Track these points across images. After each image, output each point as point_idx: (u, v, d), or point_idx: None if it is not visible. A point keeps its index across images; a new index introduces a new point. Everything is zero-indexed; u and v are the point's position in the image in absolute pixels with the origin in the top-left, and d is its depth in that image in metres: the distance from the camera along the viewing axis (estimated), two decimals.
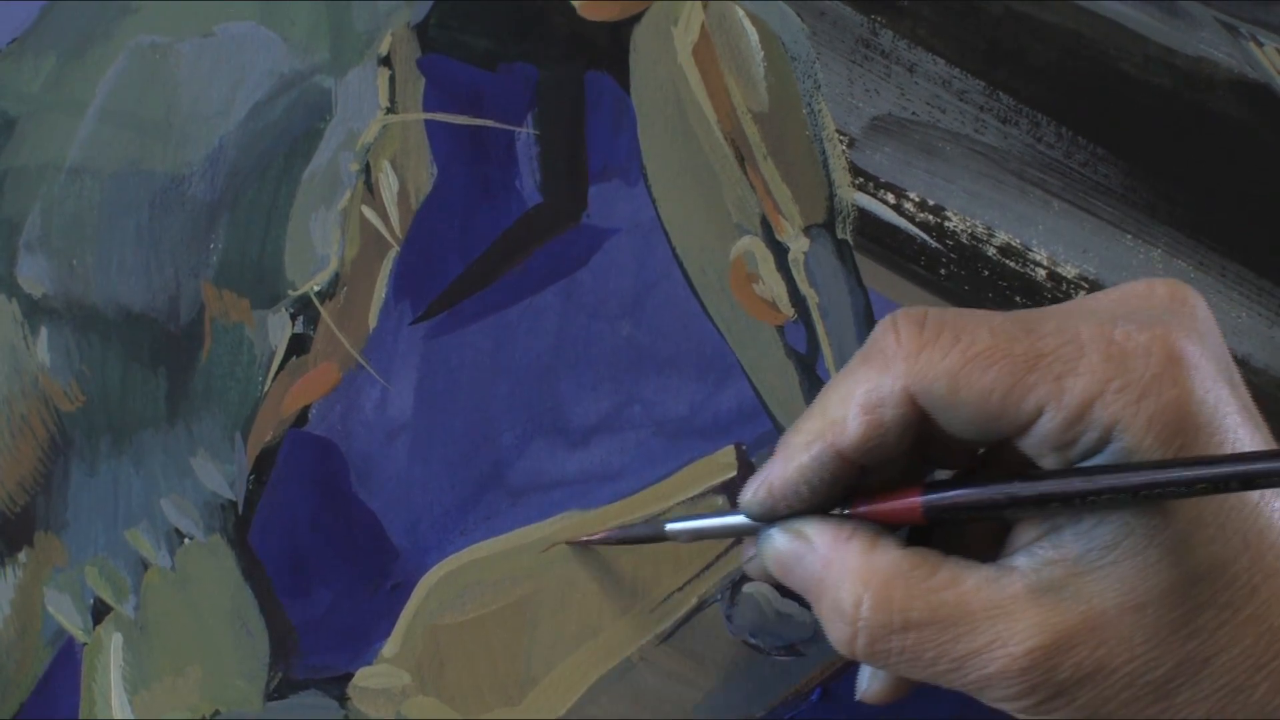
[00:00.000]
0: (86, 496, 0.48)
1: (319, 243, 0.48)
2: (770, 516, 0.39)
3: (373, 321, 0.48)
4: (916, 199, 0.48)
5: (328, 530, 0.48)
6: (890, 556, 0.36)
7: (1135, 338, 0.34)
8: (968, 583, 0.35)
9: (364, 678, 0.48)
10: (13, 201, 0.48)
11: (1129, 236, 0.47)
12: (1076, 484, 0.34)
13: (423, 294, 0.48)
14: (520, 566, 0.48)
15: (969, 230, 0.48)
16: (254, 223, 0.48)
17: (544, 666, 0.47)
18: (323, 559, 0.48)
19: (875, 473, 0.38)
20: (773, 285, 0.48)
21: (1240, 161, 0.47)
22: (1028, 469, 0.36)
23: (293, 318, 0.48)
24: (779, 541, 0.38)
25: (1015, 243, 0.47)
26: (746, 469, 0.47)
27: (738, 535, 0.40)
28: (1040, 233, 0.47)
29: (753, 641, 0.47)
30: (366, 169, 0.48)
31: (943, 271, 0.47)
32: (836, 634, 0.37)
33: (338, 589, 0.48)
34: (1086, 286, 0.47)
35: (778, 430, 0.47)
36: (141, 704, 0.48)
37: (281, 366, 0.48)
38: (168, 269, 0.48)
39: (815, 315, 0.47)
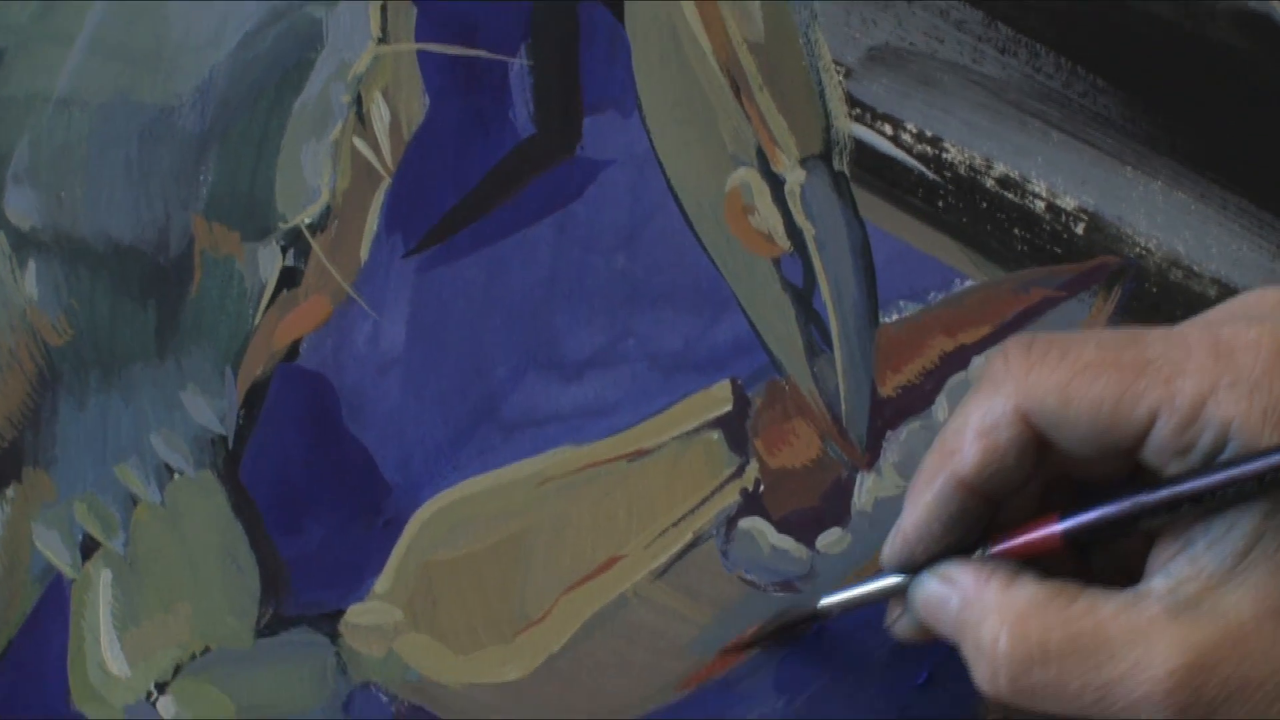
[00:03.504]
0: (75, 431, 0.48)
1: (310, 174, 0.48)
2: (911, 564, 0.39)
3: (364, 254, 0.48)
4: (914, 130, 0.47)
5: (319, 465, 0.47)
6: (1027, 590, 0.36)
7: (1242, 335, 0.34)
8: (1105, 609, 0.35)
9: (356, 614, 0.47)
10: (0, 133, 0.48)
11: (1129, 168, 0.47)
12: (1203, 481, 0.34)
13: (415, 227, 0.48)
14: (514, 502, 0.47)
15: (967, 162, 0.47)
16: (244, 154, 0.48)
17: (538, 603, 0.47)
18: (314, 494, 0.47)
19: (1006, 510, 0.38)
20: (769, 217, 0.47)
21: (1241, 93, 0.47)
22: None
23: (283, 250, 0.48)
24: (925, 587, 0.39)
25: (1014, 174, 0.47)
26: (742, 403, 0.47)
27: (892, 595, 0.41)
28: (1039, 164, 0.47)
29: (748, 577, 0.47)
30: (358, 100, 0.48)
31: (940, 204, 0.47)
32: (979, 674, 0.37)
33: (329, 525, 0.47)
34: (1086, 218, 0.47)
35: (774, 364, 0.47)
36: (131, 640, 0.47)
37: (272, 300, 0.48)
38: (157, 201, 0.48)
39: (812, 248, 0.47)
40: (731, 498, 0.47)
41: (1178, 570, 0.35)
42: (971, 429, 0.37)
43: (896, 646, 0.46)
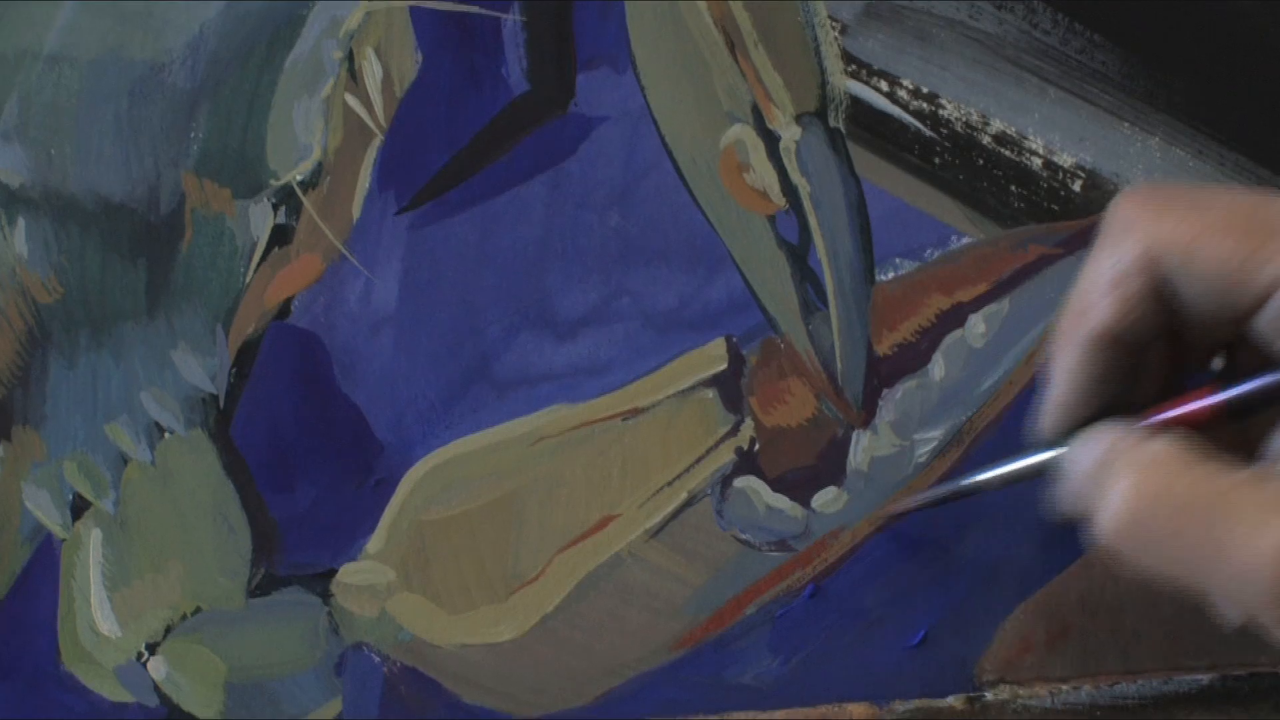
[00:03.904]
0: (65, 390, 0.47)
1: (302, 131, 0.47)
2: (1065, 432, 0.39)
3: (356, 212, 0.47)
4: (910, 87, 0.47)
5: (311, 425, 0.47)
6: (1161, 444, 0.36)
7: None
8: (1230, 477, 0.35)
9: (348, 574, 0.47)
10: None
11: (1126, 124, 0.47)
12: None
13: (407, 184, 0.47)
14: (507, 461, 0.47)
15: (964, 118, 0.47)
16: (235, 111, 0.47)
17: (532, 562, 0.46)
18: (306, 454, 0.47)
19: (1140, 374, 0.38)
20: (764, 174, 0.47)
21: (1239, 48, 0.47)
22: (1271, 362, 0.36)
23: (275, 208, 0.47)
24: (1073, 449, 0.38)
25: (1011, 131, 0.47)
26: (737, 361, 0.47)
27: (1047, 469, 0.40)
28: (1036, 121, 0.47)
29: (743, 536, 0.47)
30: (350, 56, 0.47)
31: (937, 160, 0.47)
32: (1105, 518, 0.36)
33: (321, 484, 0.47)
34: (1083, 175, 0.46)
35: (769, 322, 0.47)
36: (122, 601, 0.47)
37: (264, 258, 0.47)
38: (147, 158, 0.47)
39: (807, 205, 0.47)
40: (726, 456, 0.47)
41: None
42: (1104, 281, 0.36)
43: (890, 605, 0.46)
